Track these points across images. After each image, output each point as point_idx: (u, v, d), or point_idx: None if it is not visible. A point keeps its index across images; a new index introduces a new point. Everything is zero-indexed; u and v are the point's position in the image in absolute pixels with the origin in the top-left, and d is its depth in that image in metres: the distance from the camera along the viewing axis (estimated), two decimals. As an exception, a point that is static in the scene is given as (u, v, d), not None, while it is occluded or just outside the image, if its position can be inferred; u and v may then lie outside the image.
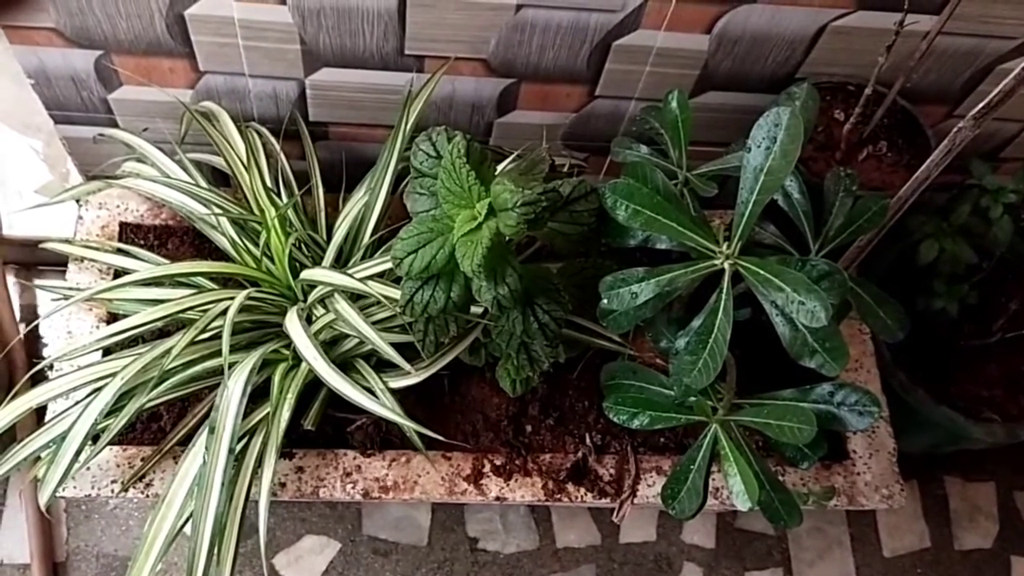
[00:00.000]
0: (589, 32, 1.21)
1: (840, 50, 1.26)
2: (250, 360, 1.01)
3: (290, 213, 1.16)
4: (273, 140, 1.29)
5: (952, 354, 1.46)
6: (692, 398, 1.01)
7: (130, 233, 1.31)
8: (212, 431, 0.98)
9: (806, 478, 1.22)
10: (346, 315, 0.99)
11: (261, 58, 1.24)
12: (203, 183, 1.16)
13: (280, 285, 1.11)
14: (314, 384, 1.14)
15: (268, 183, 1.14)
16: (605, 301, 0.91)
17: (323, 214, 1.23)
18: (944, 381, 1.43)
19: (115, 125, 1.36)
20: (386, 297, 0.98)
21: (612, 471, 1.22)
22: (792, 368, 0.98)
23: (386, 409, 1.01)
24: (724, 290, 0.88)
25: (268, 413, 1.06)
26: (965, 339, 1.47)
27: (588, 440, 1.23)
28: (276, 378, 1.05)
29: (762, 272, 0.84)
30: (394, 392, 1.11)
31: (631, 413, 1.02)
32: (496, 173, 0.93)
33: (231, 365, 1.01)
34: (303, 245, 1.18)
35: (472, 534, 1.60)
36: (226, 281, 1.23)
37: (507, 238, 0.88)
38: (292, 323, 1.00)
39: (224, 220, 1.13)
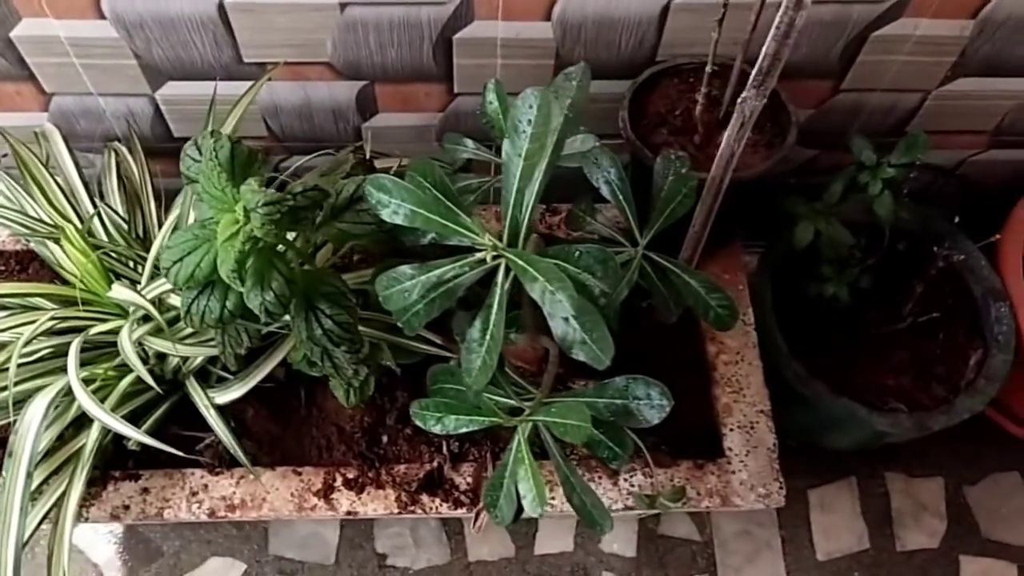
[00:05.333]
0: (424, 27, 1.17)
1: (693, 28, 1.20)
2: (56, 385, 0.99)
3: (115, 232, 1.14)
4: (131, 159, 1.28)
5: (862, 343, 1.38)
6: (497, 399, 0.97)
7: (-10, 261, 1.31)
8: (10, 455, 0.96)
9: (677, 477, 1.16)
10: (122, 336, 0.96)
11: (102, 76, 1.23)
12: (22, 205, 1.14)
13: (106, 303, 1.09)
14: (149, 404, 1.12)
15: (72, 197, 1.13)
16: (381, 300, 0.87)
17: (158, 230, 1.21)
18: (848, 371, 1.35)
19: (-21, 156, 1.36)
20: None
21: (470, 479, 1.17)
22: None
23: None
24: (498, 284, 0.83)
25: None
26: (876, 326, 1.39)
27: (445, 448, 1.18)
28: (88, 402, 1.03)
29: (519, 262, 0.79)
30: (223, 408, 1.08)
31: (436, 417, 0.97)
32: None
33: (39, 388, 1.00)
34: (136, 265, 1.15)
35: (381, 550, 1.56)
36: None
37: (268, 242, 0.85)
38: (72, 349, 0.97)
39: (51, 244, 1.11)
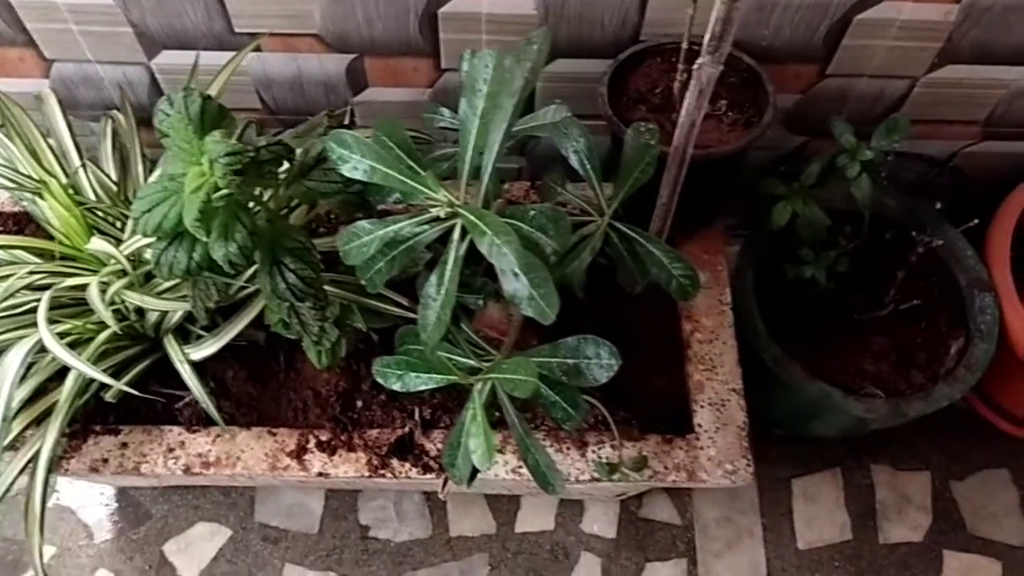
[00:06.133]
0: (409, 0, 1.20)
1: (675, 8, 1.21)
2: (33, 336, 1.02)
3: (103, 192, 1.17)
4: (127, 126, 1.32)
5: (843, 329, 1.38)
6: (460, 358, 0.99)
7: (-12, 222, 1.35)
8: (-14, 400, 0.99)
9: (646, 451, 1.17)
10: (91, 287, 0.99)
11: (99, 43, 1.27)
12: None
13: (87, 258, 1.13)
14: (130, 360, 1.15)
15: (62, 158, 1.17)
16: (341, 255, 0.89)
17: (146, 191, 1.24)
18: (827, 356, 1.35)
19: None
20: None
21: (440, 445, 1.18)
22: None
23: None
24: (454, 241, 0.85)
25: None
26: (858, 313, 1.39)
27: (417, 415, 1.20)
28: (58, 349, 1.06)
29: (470, 217, 0.80)
30: (200, 365, 1.11)
31: (396, 375, 0.99)
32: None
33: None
34: (124, 225, 1.19)
35: (364, 522, 1.58)
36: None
37: (236, 196, 0.87)
38: (44, 299, 1.00)
39: (40, 202, 1.15)
